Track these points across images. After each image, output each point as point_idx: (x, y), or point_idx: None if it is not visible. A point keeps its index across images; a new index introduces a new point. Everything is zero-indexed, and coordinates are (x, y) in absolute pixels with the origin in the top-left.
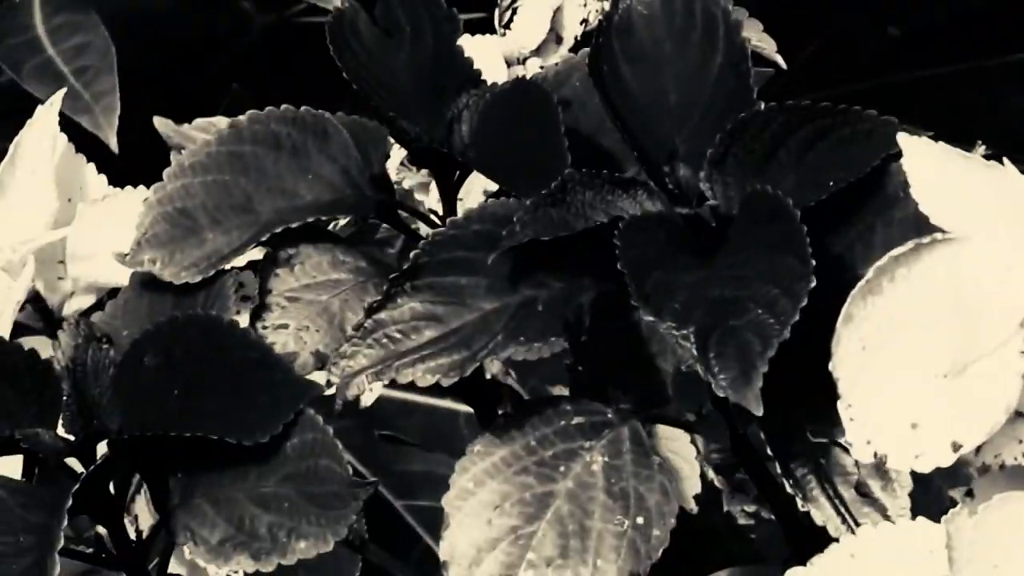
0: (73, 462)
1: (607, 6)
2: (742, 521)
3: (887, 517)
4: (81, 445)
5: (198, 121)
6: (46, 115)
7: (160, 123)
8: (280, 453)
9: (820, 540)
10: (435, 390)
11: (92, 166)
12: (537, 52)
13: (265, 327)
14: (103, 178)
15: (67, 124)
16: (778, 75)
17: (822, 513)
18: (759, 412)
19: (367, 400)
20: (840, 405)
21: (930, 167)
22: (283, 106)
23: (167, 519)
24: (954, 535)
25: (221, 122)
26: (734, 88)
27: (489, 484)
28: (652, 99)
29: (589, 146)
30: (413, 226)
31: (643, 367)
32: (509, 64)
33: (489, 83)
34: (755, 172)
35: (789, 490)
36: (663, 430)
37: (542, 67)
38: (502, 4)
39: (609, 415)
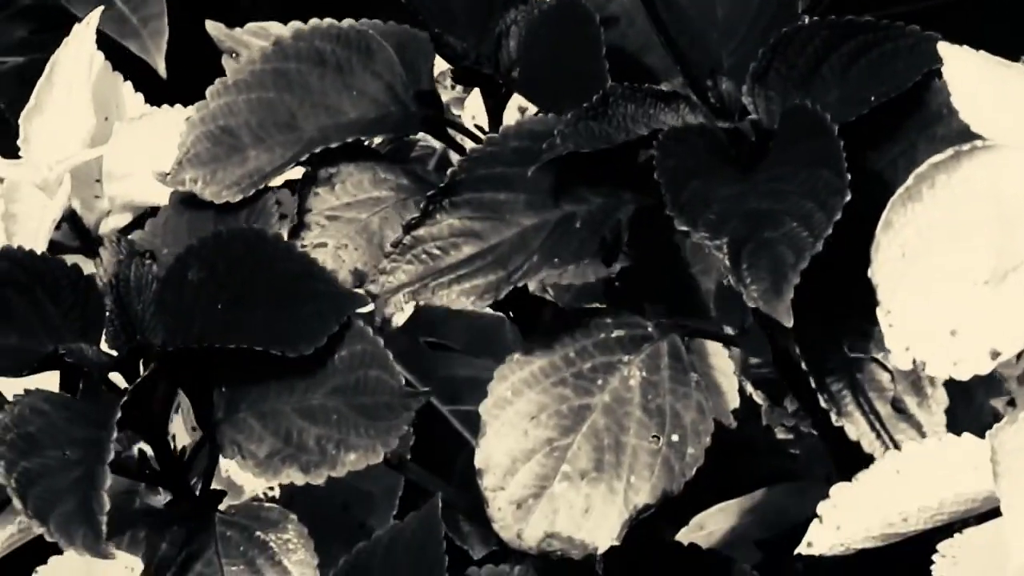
0: (116, 378)
1: None
2: (781, 436)
3: (922, 433)
4: (124, 360)
5: (250, 25)
6: (83, 33)
7: (212, 27)
8: (328, 366)
9: (863, 456)
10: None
11: (129, 84)
12: None
13: (304, 245)
14: (140, 96)
15: (105, 42)
16: None
17: (856, 428)
18: (789, 323)
19: (399, 319)
20: (879, 312)
21: (971, 75)
22: (327, 20)
23: (212, 434)
24: (998, 449)
25: (273, 27)
26: (779, 2)
27: (527, 394)
28: (699, 12)
29: (635, 64)
30: (459, 141)
31: (684, 283)
32: None
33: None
34: (797, 87)
35: (824, 404)
36: (704, 346)
37: None
38: None
39: (649, 328)
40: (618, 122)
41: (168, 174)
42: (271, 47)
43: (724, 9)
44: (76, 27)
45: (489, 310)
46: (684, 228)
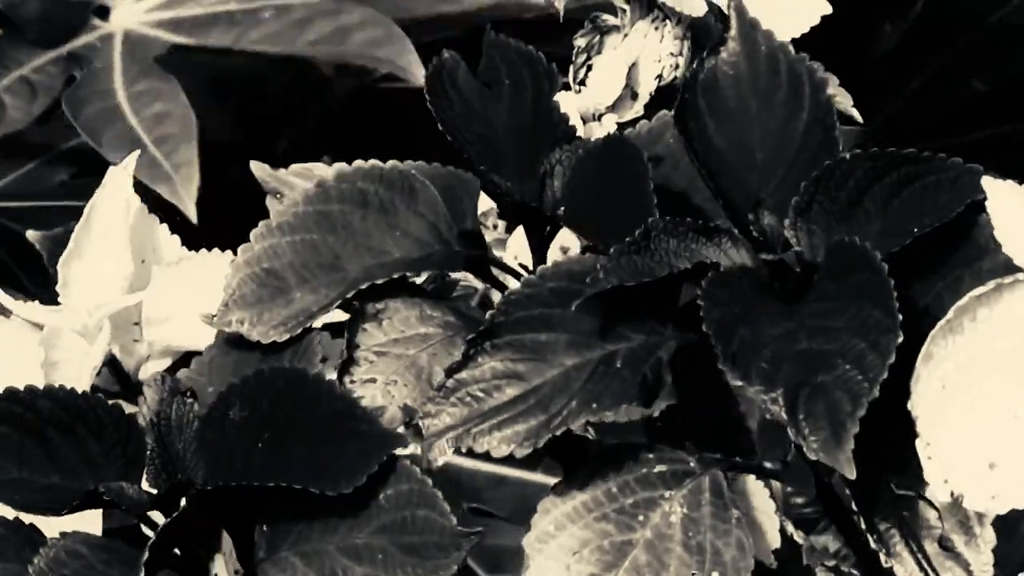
0: (158, 517)
1: (682, 62)
2: None
3: (970, 572)
4: (164, 498)
5: (295, 167)
6: (119, 176)
7: (257, 168)
8: (372, 505)
9: None
10: (525, 462)
11: (165, 227)
12: (613, 108)
13: (353, 381)
14: (176, 239)
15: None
16: (861, 132)
17: (905, 568)
18: (851, 475)
19: (438, 462)
20: (918, 443)
21: (1014, 209)
22: (370, 162)
23: (253, 574)
24: None
25: (318, 168)
26: (820, 142)
27: (569, 529)
28: (738, 155)
29: (681, 203)
30: (502, 280)
31: (724, 417)
32: (585, 121)
33: (581, 139)
34: (840, 219)
35: (873, 545)
36: (745, 485)
37: (618, 123)
38: (577, 61)
39: (691, 464)
40: (660, 256)
41: (214, 316)
42: (314, 189)
43: (763, 152)
44: (112, 170)
45: (536, 477)
46: (738, 383)
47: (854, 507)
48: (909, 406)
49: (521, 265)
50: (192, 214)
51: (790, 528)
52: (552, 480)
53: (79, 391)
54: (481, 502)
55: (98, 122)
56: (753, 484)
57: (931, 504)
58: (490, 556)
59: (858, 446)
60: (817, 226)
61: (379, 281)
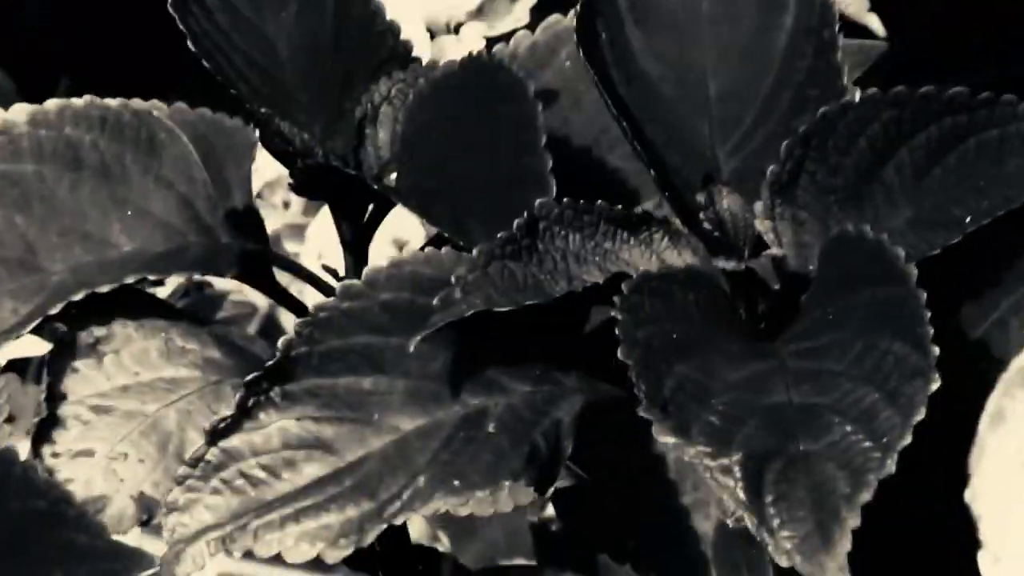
0: None
1: None
2: None
3: None
4: None
5: None
6: None
7: None
8: None
9: None
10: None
11: None
12: (479, 13)
13: (56, 454)
14: None
15: None
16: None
17: None
18: None
19: None
20: (981, 557)
21: None
22: (85, 97)
23: None
24: None
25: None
26: (810, 68)
27: None
28: (680, 87)
29: (585, 165)
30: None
31: (663, 524)
32: (434, 34)
33: (423, 64)
34: (844, 202)
35: None
36: None
37: (487, 38)
38: None
39: None
40: (553, 262)
41: None
42: None
43: (721, 80)
44: None
45: None
46: (670, 439)
47: None
48: (967, 498)
49: (328, 269)
50: None
51: None
52: None
53: None
54: None
55: None
56: None
57: None
58: None
59: (864, 546)
60: (808, 212)
61: (100, 290)
